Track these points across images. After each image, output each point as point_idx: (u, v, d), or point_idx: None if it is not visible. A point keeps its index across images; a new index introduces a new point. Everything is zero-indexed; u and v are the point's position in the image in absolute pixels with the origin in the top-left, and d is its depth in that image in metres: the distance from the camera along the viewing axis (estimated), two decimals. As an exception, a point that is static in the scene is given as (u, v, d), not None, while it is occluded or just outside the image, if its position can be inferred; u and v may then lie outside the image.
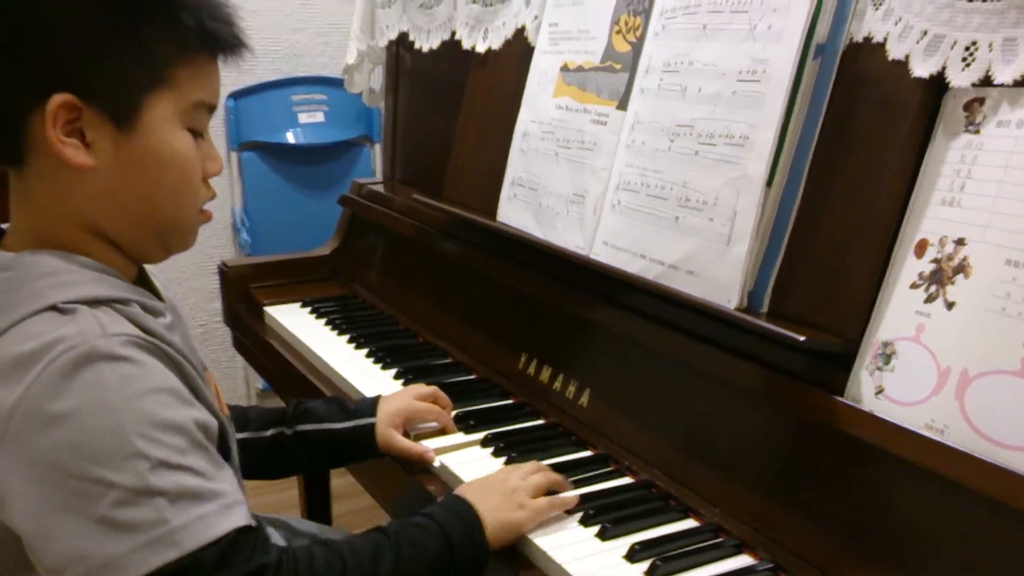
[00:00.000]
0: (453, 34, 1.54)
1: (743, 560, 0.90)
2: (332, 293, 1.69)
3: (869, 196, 0.91)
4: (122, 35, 0.74)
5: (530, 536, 0.92)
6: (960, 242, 0.82)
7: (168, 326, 0.80)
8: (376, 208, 1.70)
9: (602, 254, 1.16)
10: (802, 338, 0.89)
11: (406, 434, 1.12)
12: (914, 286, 0.85)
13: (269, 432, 1.10)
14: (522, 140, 1.33)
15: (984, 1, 0.82)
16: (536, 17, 1.36)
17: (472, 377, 1.32)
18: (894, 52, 0.89)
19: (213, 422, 0.77)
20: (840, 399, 0.87)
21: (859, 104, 0.93)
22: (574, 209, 1.22)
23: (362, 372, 1.34)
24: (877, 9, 0.91)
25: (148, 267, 0.87)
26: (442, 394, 1.18)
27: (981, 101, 0.84)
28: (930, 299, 0.83)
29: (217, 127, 2.50)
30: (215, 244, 2.59)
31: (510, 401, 1.24)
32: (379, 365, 1.36)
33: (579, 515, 0.95)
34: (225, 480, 0.75)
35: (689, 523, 0.96)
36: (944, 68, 0.85)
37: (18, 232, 0.80)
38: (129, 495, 0.68)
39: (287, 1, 2.57)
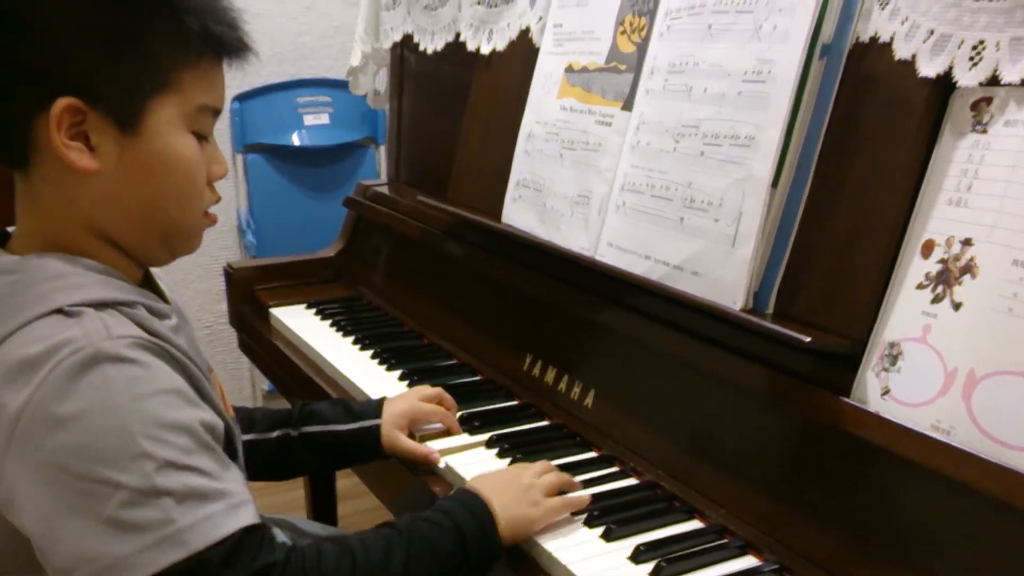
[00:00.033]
0: (457, 36, 1.54)
1: (749, 561, 0.89)
2: (337, 295, 1.70)
3: (875, 196, 0.91)
4: (126, 39, 0.74)
5: (534, 536, 0.92)
6: (967, 242, 0.82)
7: (173, 328, 0.80)
8: (381, 210, 1.70)
9: (607, 255, 1.15)
10: (808, 339, 0.88)
11: (411, 435, 1.12)
12: (921, 287, 0.84)
13: (275, 434, 1.10)
14: (527, 141, 1.33)
15: (991, 0, 0.82)
16: (540, 18, 1.36)
17: (477, 378, 1.32)
18: (900, 52, 0.89)
19: (219, 423, 0.77)
20: (846, 400, 0.87)
21: (865, 104, 0.93)
22: (579, 210, 1.21)
23: (367, 373, 1.34)
24: (883, 8, 0.91)
25: (154, 269, 0.87)
26: (447, 395, 1.18)
27: (988, 100, 0.84)
28: (937, 300, 0.83)
29: (222, 129, 2.51)
30: (221, 246, 2.59)
31: (515, 402, 1.24)
32: (384, 366, 1.36)
33: (584, 516, 0.95)
34: (232, 480, 0.75)
35: (694, 524, 0.95)
36: (951, 67, 0.85)
37: (24, 235, 0.80)
38: (136, 496, 0.68)
39: (292, 4, 2.57)
